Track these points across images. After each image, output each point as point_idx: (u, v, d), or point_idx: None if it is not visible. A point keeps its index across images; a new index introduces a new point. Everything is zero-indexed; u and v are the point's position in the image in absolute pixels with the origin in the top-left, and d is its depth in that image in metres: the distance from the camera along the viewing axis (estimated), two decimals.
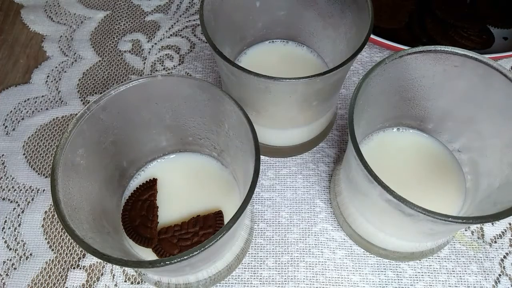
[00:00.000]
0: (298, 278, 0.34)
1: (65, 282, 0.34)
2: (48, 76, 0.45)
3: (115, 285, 0.34)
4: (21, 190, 0.38)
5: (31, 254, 0.35)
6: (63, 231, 0.36)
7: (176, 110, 0.30)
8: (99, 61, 0.46)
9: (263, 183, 0.38)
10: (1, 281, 0.34)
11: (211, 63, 0.46)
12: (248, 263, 0.34)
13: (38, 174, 0.39)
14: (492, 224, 0.36)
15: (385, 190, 0.24)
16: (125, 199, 0.32)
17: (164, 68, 0.45)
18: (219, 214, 0.31)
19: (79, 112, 0.26)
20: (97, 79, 0.45)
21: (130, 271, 0.34)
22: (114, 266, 0.35)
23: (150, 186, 0.32)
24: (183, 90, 0.28)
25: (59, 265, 0.35)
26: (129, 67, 0.45)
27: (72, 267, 0.35)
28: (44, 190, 0.38)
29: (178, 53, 0.47)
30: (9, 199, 0.38)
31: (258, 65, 0.39)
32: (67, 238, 0.36)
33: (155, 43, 0.47)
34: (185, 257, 0.21)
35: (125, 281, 0.34)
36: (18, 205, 0.37)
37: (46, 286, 0.34)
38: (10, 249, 0.35)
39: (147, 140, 0.32)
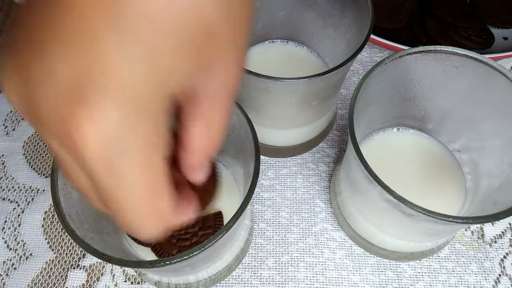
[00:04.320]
0: (298, 278, 0.34)
1: (65, 282, 0.34)
2: None
3: (115, 285, 0.34)
4: (21, 190, 0.38)
5: (31, 254, 0.35)
6: (63, 231, 0.36)
7: None
8: None
9: (263, 183, 0.38)
10: (1, 281, 0.34)
11: None
12: (248, 263, 0.34)
13: (38, 174, 0.39)
14: (492, 224, 0.36)
15: (385, 190, 0.24)
16: None
17: None
18: (218, 215, 0.31)
19: None
20: None
21: (130, 271, 0.34)
22: (114, 266, 0.35)
23: None
24: None
25: (59, 265, 0.35)
26: None
27: (72, 267, 0.34)
28: (44, 190, 0.38)
29: None
30: (9, 199, 0.38)
31: (258, 65, 0.39)
32: (67, 238, 0.36)
33: None
34: (185, 257, 0.21)
35: (125, 281, 0.34)
36: (18, 205, 0.37)
37: (46, 286, 0.34)
38: (10, 249, 0.35)
39: None
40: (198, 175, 0.17)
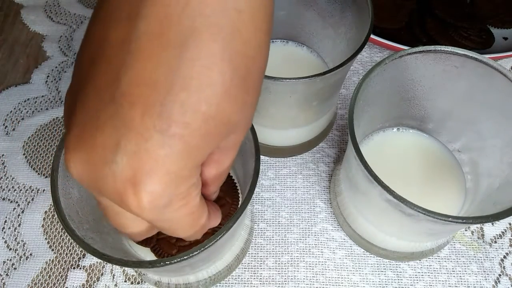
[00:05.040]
0: (298, 278, 0.34)
1: (65, 282, 0.34)
2: (48, 76, 0.45)
3: (115, 285, 0.34)
4: (21, 190, 0.38)
5: (31, 254, 0.35)
6: (63, 231, 0.36)
7: None
8: None
9: (263, 183, 0.38)
10: (1, 281, 0.34)
11: None
12: (248, 263, 0.34)
13: (38, 174, 0.39)
14: (492, 224, 0.36)
15: (385, 190, 0.24)
16: None
17: None
18: None
19: None
20: None
21: (130, 271, 0.34)
22: (114, 266, 0.35)
23: None
24: None
25: (59, 265, 0.35)
26: None
27: (72, 267, 0.35)
28: (44, 190, 0.38)
29: None
30: (9, 199, 0.38)
31: None
32: (67, 238, 0.36)
33: None
34: (185, 257, 0.21)
35: (125, 281, 0.34)
36: (18, 205, 0.37)
37: (46, 286, 0.34)
38: (10, 249, 0.35)
39: None
40: (210, 198, 0.23)
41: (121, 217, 0.20)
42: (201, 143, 0.17)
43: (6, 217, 0.37)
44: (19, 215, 0.37)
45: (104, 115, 0.16)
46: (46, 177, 0.39)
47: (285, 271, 0.34)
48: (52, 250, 0.35)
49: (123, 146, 0.16)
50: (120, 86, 0.16)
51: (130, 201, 0.17)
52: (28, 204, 0.37)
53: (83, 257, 0.35)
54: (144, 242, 0.30)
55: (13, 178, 0.39)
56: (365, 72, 0.29)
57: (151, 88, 0.15)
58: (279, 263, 0.35)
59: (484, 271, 0.34)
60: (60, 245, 0.35)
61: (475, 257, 0.35)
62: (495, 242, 0.35)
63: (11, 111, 0.42)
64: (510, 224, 0.36)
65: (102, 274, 0.34)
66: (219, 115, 0.16)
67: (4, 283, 0.34)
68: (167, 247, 0.29)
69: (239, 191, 0.31)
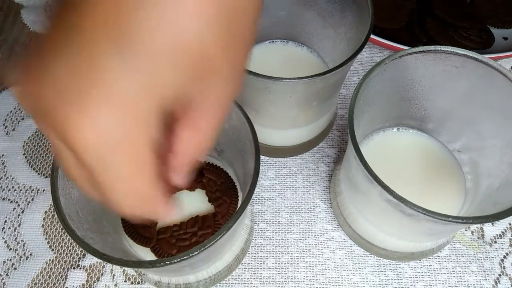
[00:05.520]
0: (298, 278, 0.34)
1: (65, 282, 0.34)
2: None
3: (115, 285, 0.34)
4: (21, 190, 0.38)
5: (31, 254, 0.35)
6: (63, 231, 0.36)
7: None
8: None
9: (263, 183, 0.38)
10: (1, 281, 0.34)
11: None
12: (248, 263, 0.34)
13: (38, 174, 0.39)
14: (492, 224, 0.36)
15: (385, 190, 0.24)
16: None
17: None
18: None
19: None
20: None
21: (130, 271, 0.34)
22: (114, 266, 0.35)
23: None
24: None
25: (59, 265, 0.35)
26: None
27: (72, 267, 0.35)
28: (44, 190, 0.38)
29: None
30: (9, 199, 0.38)
31: (258, 65, 0.39)
32: (67, 238, 0.36)
33: None
34: (185, 257, 0.21)
35: (125, 281, 0.34)
36: (18, 205, 0.37)
37: (46, 286, 0.34)
38: (10, 249, 0.35)
39: None
40: (178, 178, 0.19)
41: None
42: (167, 76, 0.14)
43: (6, 217, 0.37)
44: (19, 215, 0.37)
45: (63, 40, 0.14)
46: (46, 177, 0.39)
47: (285, 271, 0.34)
48: (52, 250, 0.35)
49: (77, 70, 0.14)
50: (82, 9, 0.14)
51: (73, 133, 0.14)
52: (28, 204, 0.37)
53: (83, 257, 0.35)
54: (144, 242, 0.30)
55: (13, 178, 0.39)
56: (365, 72, 0.29)
57: (116, 9, 0.14)
58: (279, 263, 0.35)
59: (484, 271, 0.34)
60: (60, 245, 0.35)
61: (475, 257, 0.35)
62: (495, 242, 0.35)
63: (11, 111, 0.42)
64: (510, 224, 0.36)
65: (102, 274, 0.34)
66: (193, 44, 0.14)
67: (4, 283, 0.34)
68: (167, 247, 0.29)
69: (238, 191, 0.31)
